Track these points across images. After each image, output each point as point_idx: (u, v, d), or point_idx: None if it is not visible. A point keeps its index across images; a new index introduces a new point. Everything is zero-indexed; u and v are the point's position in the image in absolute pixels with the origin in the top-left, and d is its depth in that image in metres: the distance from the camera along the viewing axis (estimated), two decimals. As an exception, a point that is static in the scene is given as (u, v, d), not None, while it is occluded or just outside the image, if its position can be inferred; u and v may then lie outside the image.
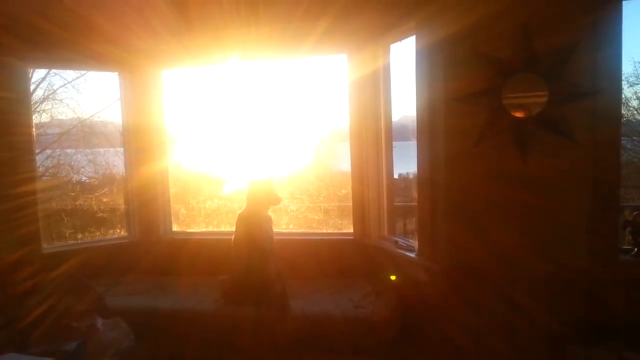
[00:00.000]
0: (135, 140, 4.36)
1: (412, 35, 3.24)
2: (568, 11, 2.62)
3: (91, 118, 8.24)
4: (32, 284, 3.54)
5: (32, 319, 3.21)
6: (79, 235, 5.18)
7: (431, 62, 3.00)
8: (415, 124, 3.31)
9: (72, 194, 6.31)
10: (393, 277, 3.39)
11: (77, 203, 5.72)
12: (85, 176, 8.07)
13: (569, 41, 2.60)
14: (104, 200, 5.48)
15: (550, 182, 2.69)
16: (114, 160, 7.64)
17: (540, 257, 2.70)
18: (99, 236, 5.02)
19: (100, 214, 5.27)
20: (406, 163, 3.94)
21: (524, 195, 2.72)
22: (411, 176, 4.19)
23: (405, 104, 3.77)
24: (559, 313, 2.67)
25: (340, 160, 4.56)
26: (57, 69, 6.02)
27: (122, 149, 4.59)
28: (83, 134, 8.33)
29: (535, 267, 2.71)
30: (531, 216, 2.73)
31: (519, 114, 2.73)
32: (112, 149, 7.76)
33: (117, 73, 4.37)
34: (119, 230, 4.78)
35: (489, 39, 2.75)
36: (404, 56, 3.73)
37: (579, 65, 2.61)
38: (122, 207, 4.61)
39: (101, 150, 8.09)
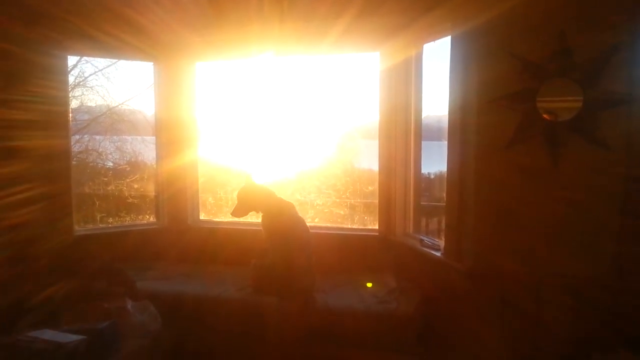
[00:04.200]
0: (166, 131, 4.45)
1: (447, 35, 3.25)
2: (607, 16, 2.60)
3: (119, 106, 8.37)
4: (64, 265, 3.65)
5: (64, 299, 3.31)
6: (110, 220, 5.30)
7: (466, 62, 3.01)
8: (440, 124, 3.33)
9: (105, 179, 6.44)
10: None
11: (109, 188, 5.83)
12: (111, 162, 8.21)
13: (606, 47, 2.58)
14: (135, 186, 5.58)
15: (582, 188, 2.68)
16: (141, 147, 7.76)
17: (568, 261, 2.70)
18: (128, 221, 5.12)
19: (130, 200, 5.37)
20: (429, 163, 3.95)
21: (554, 199, 2.73)
22: (432, 176, 4.19)
23: (431, 103, 3.78)
24: (585, 318, 2.67)
25: (367, 157, 4.59)
26: (95, 57, 6.13)
27: (148, 137, 4.66)
28: (111, 121, 8.46)
29: (563, 270, 2.71)
30: (561, 220, 2.73)
31: (552, 119, 2.74)
32: (139, 137, 7.88)
33: (152, 63, 4.45)
34: (148, 217, 4.87)
35: (526, 42, 2.76)
36: (431, 56, 3.77)
37: (615, 71, 2.59)
38: (152, 193, 4.71)
39: (128, 138, 8.21)
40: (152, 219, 4.66)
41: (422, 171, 3.96)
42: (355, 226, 4.47)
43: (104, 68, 8.06)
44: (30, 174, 3.76)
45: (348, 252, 3.96)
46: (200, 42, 4.24)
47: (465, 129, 3.04)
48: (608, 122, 2.62)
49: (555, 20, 2.67)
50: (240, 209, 3.73)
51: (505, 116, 2.82)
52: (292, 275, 3.46)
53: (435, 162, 3.96)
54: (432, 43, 3.67)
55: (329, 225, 4.47)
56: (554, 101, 2.74)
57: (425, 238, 3.66)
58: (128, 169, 7.10)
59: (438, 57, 3.70)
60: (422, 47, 3.73)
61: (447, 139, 3.27)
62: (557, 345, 2.74)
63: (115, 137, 8.26)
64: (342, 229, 4.34)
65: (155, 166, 4.63)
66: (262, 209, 3.71)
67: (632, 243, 2.63)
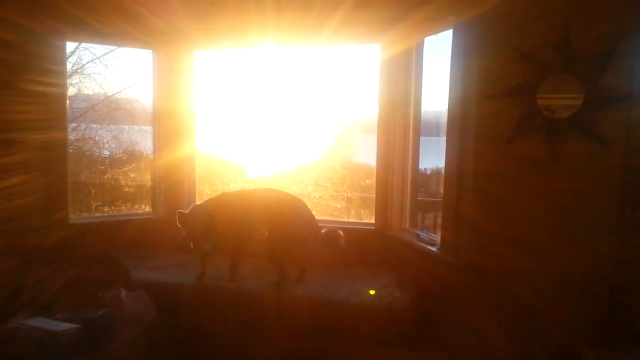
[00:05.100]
0: (164, 121, 4.43)
1: (448, 28, 3.22)
2: (610, 13, 2.59)
3: (117, 94, 8.34)
4: (58, 253, 3.63)
5: (57, 287, 3.30)
6: (106, 209, 5.27)
7: (467, 55, 3.00)
8: (437, 119, 3.32)
9: (101, 167, 6.43)
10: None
11: (105, 177, 5.81)
12: (108, 151, 8.18)
13: (609, 44, 2.56)
14: (132, 175, 5.56)
15: (581, 181, 2.67)
16: (137, 137, 7.73)
17: (566, 253, 2.69)
18: (124, 210, 5.10)
19: (126, 189, 5.35)
20: (425, 159, 3.94)
21: (554, 192, 2.72)
22: (428, 172, 4.19)
23: (428, 98, 3.78)
24: (584, 310, 2.67)
25: (365, 151, 4.58)
26: (94, 43, 6.10)
27: (145, 127, 4.63)
28: (108, 109, 8.43)
29: (561, 262, 2.70)
30: (560, 213, 2.72)
31: (552, 115, 2.72)
32: (136, 127, 7.85)
33: (151, 51, 4.42)
34: (144, 206, 4.86)
35: (527, 36, 2.74)
36: (430, 51, 3.76)
37: (617, 69, 2.58)
38: (148, 183, 4.69)
39: (125, 127, 8.18)
40: (148, 208, 4.65)
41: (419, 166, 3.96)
42: (351, 220, 4.46)
43: (102, 55, 8.04)
44: (26, 162, 3.73)
45: (344, 246, 3.94)
46: (198, 31, 4.21)
47: (465, 122, 3.03)
48: (608, 119, 2.61)
49: (557, 14, 2.65)
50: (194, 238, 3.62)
51: (506, 110, 2.81)
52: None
53: (431, 158, 3.96)
54: (432, 37, 3.65)
55: (325, 218, 4.45)
56: (555, 98, 2.73)
57: (421, 233, 3.65)
58: (125, 157, 7.08)
59: (437, 52, 3.70)
60: (424, 40, 3.71)
61: (444, 134, 3.27)
62: (554, 337, 2.73)
63: (112, 125, 8.24)
64: (339, 222, 4.32)
65: (152, 156, 4.60)
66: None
67: (631, 235, 2.62)
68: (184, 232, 3.62)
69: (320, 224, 3.90)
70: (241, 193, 3.95)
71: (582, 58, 2.62)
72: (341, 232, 3.59)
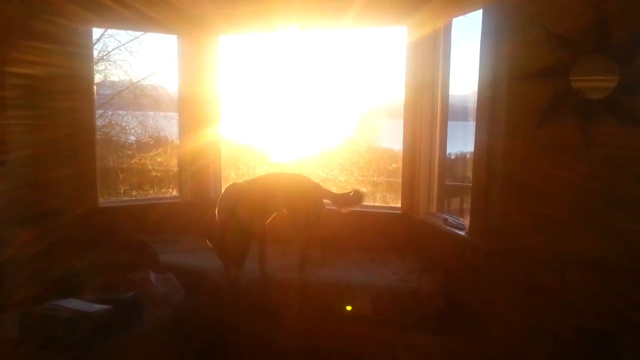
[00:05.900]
0: (189, 108, 4.45)
1: (478, 8, 3.15)
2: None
3: (142, 81, 8.40)
4: (88, 237, 3.70)
5: (88, 269, 3.36)
6: (133, 193, 5.34)
7: (497, 36, 2.92)
8: (464, 104, 3.25)
9: (128, 152, 6.51)
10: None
11: (132, 162, 5.88)
12: (134, 136, 8.28)
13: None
14: (158, 160, 5.61)
15: (614, 167, 2.59)
16: (163, 123, 7.81)
17: (596, 241, 2.63)
18: (152, 194, 5.16)
19: (154, 173, 5.41)
20: (451, 143, 3.89)
21: (585, 178, 2.65)
22: (453, 157, 4.14)
23: (454, 83, 3.71)
24: (611, 297, 2.62)
25: (391, 135, 4.54)
26: (119, 28, 6.14)
27: (170, 113, 4.65)
28: (134, 96, 8.51)
29: (590, 249, 2.65)
30: (590, 200, 2.66)
31: (586, 97, 2.65)
32: (161, 113, 7.93)
33: (175, 36, 4.43)
34: (170, 190, 4.91)
35: (560, 16, 2.65)
36: (456, 33, 3.69)
37: (655, 48, 2.50)
38: (174, 168, 4.74)
39: (151, 113, 8.26)
40: (174, 192, 4.70)
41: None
42: (377, 204, 4.44)
43: (127, 42, 8.08)
44: (55, 147, 3.80)
45: (370, 230, 3.93)
46: (223, 15, 4.20)
47: (495, 105, 2.97)
48: (645, 101, 2.52)
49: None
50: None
51: (537, 92, 2.74)
52: None
53: (458, 142, 3.91)
54: (460, 18, 3.57)
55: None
56: (588, 79, 2.65)
57: (449, 217, 3.61)
58: (151, 142, 7.15)
59: (465, 34, 3.63)
60: (451, 21, 3.63)
61: (471, 118, 3.22)
62: (582, 322, 2.69)
63: (138, 112, 8.33)
64: (364, 206, 4.25)
65: (178, 142, 4.64)
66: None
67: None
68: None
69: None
70: (254, 181, 3.84)
71: (617, 38, 2.53)
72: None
